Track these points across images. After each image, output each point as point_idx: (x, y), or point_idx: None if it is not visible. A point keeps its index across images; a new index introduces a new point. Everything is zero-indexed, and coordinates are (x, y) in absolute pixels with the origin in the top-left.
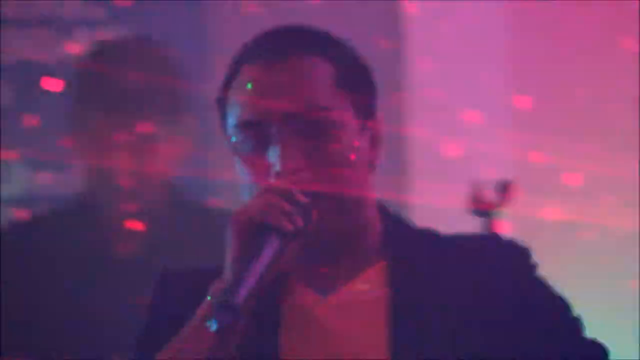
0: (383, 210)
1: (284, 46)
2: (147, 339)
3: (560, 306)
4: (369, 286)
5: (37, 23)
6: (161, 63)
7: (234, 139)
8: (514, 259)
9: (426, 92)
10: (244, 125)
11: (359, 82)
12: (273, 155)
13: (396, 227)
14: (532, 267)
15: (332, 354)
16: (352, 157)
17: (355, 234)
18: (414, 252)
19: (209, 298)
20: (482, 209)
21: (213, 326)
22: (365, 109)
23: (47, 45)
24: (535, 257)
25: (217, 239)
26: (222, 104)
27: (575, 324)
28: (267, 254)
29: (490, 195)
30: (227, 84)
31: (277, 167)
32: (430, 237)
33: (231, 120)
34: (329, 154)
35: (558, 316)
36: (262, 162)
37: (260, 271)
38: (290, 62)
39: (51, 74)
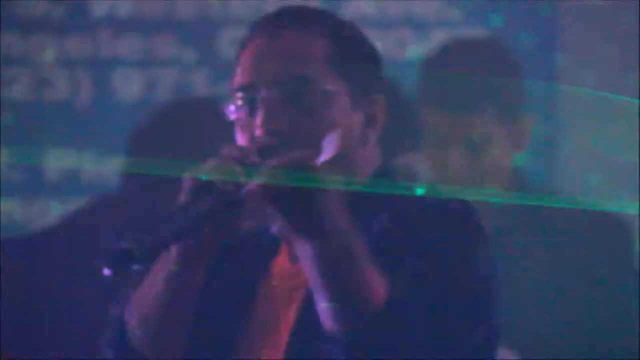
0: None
1: (283, 23)
2: None
3: (479, 275)
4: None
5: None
6: (503, 61)
7: (229, 104)
8: (455, 219)
9: None
10: (237, 90)
11: (355, 62)
12: (257, 119)
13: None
14: (468, 228)
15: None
16: (334, 129)
17: (321, 200)
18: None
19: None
20: None
21: (105, 271)
22: (361, 87)
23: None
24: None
25: None
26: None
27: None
28: (193, 209)
29: None
30: (235, 59)
31: (257, 131)
32: (402, 204)
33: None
34: (309, 123)
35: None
36: (250, 126)
37: (180, 224)
38: (286, 37)
39: None
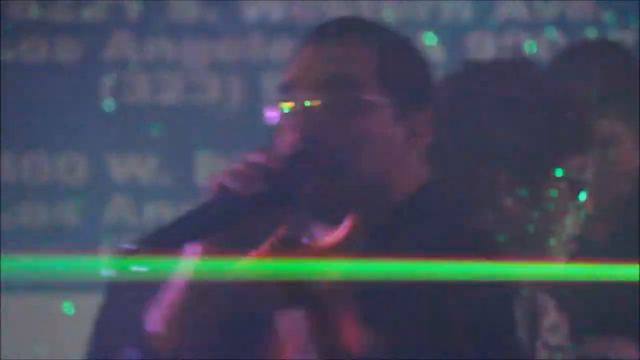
0: (422, 194)
1: (335, 30)
2: None
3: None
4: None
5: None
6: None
7: (271, 107)
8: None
9: None
10: (279, 90)
11: (401, 74)
12: (295, 123)
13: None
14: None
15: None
16: (372, 140)
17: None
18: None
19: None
20: None
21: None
22: (406, 99)
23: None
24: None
25: None
26: None
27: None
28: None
29: None
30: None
31: (292, 135)
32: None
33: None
34: (345, 132)
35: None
36: (287, 130)
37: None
38: (334, 44)
39: None
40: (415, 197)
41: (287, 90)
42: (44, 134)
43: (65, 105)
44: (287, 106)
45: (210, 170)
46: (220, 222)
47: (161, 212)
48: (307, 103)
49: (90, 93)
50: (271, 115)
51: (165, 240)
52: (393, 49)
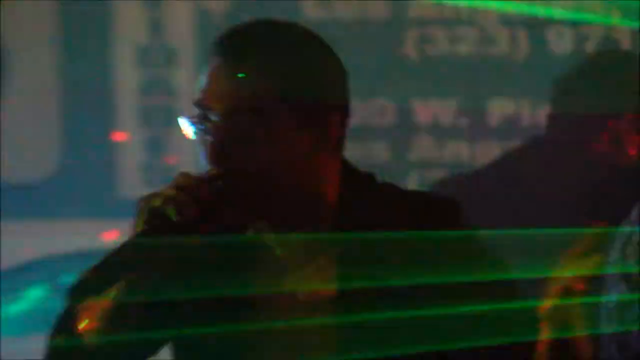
0: (345, 186)
1: (237, 43)
2: None
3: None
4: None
5: None
6: None
7: (188, 118)
8: (445, 216)
9: None
10: (194, 106)
11: (307, 82)
12: (208, 147)
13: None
14: (461, 224)
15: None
16: (278, 156)
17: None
18: (361, 218)
19: None
20: None
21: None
22: (310, 108)
23: None
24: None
25: None
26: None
27: (496, 282)
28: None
29: None
30: (203, 68)
31: (208, 159)
32: (383, 199)
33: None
34: (252, 153)
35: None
36: (206, 144)
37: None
38: (237, 60)
39: None
40: (342, 194)
41: (198, 108)
42: (360, 84)
43: (376, 58)
44: (199, 123)
45: (500, 114)
46: (159, 248)
47: (458, 151)
48: (216, 121)
49: (397, 47)
50: (188, 131)
51: (106, 274)
52: (294, 57)
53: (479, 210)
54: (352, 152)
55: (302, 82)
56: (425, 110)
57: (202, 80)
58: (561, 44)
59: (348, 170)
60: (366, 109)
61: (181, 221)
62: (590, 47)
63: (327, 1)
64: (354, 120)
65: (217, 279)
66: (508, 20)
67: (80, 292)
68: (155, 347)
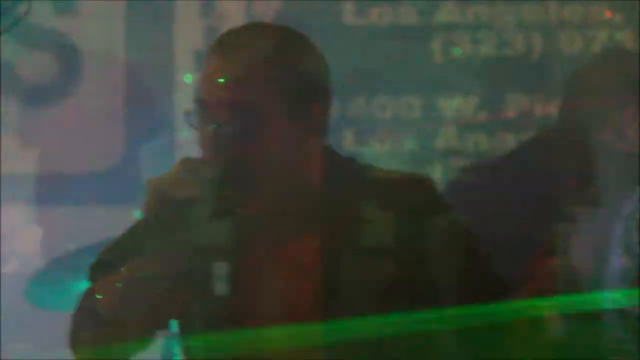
0: (328, 169)
1: (234, 44)
2: None
3: (462, 236)
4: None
5: None
6: None
7: (190, 112)
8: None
9: None
10: (195, 102)
11: (293, 77)
12: (209, 140)
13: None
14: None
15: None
16: (271, 140)
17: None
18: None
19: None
20: None
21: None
22: (298, 100)
23: None
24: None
25: None
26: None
27: (475, 254)
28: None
29: None
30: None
31: (207, 147)
32: (364, 178)
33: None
34: (248, 147)
35: (461, 244)
36: (205, 136)
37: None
38: (232, 59)
39: None
40: (327, 178)
41: (199, 103)
42: (387, 82)
43: (405, 60)
44: (199, 122)
45: (517, 108)
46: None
47: (479, 141)
48: (215, 113)
49: (424, 51)
50: (189, 119)
51: (114, 259)
52: (282, 54)
53: (494, 194)
54: (382, 144)
55: (290, 77)
56: (448, 105)
57: (202, 77)
58: (570, 45)
59: (331, 154)
60: (397, 104)
61: (184, 201)
62: (596, 47)
63: (365, 8)
64: (385, 115)
65: (215, 255)
66: (523, 25)
67: (99, 269)
68: (165, 319)
